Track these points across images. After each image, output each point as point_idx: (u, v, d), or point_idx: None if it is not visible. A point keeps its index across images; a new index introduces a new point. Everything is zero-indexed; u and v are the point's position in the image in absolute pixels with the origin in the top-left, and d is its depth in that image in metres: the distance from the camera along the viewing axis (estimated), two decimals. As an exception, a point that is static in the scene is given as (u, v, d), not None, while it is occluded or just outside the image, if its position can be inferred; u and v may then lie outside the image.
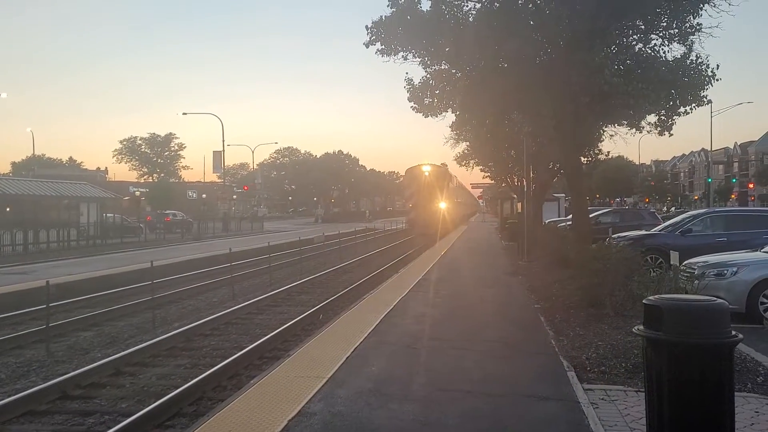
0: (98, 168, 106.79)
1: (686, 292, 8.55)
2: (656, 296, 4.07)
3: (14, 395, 7.36)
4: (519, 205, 28.51)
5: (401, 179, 62.76)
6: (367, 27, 13.67)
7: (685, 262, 11.27)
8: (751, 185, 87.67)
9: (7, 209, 31.58)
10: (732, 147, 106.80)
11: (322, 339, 8.46)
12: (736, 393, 4.19)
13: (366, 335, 8.48)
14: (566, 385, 6.16)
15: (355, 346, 7.83)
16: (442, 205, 38.62)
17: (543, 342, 8.13)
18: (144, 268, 16.70)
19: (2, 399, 7.28)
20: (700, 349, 3.70)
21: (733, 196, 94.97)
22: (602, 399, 5.78)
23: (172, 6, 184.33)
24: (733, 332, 3.75)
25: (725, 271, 10.40)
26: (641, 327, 3.96)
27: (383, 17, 13.62)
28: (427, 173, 38.92)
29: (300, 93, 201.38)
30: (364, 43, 13.83)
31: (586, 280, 10.23)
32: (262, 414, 5.34)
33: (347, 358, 7.23)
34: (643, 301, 4.06)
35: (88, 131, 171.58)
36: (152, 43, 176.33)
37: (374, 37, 13.70)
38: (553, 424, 5.12)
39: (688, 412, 3.71)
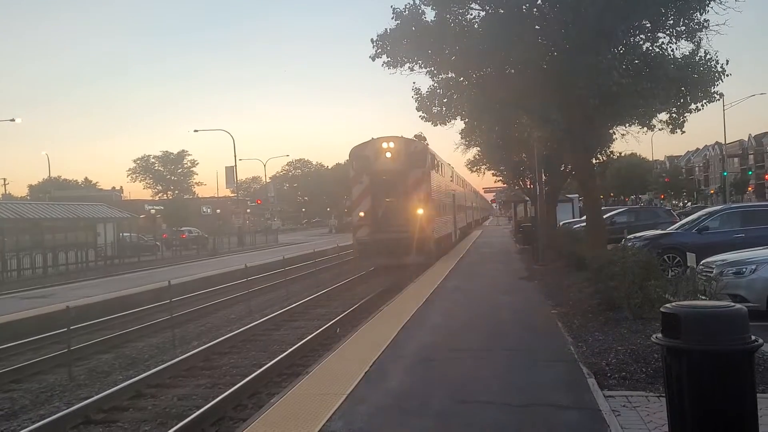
0: (113, 187, 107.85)
1: (705, 294, 8.48)
2: (674, 303, 4.05)
3: (38, 422, 7.44)
4: (532, 208, 28.43)
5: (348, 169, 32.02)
6: (372, 40, 13.73)
7: (703, 261, 11.16)
8: (767, 177, 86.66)
9: (26, 234, 31.97)
10: (746, 139, 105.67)
11: (340, 354, 8.47)
12: (759, 394, 4.15)
13: (384, 348, 8.47)
14: (587, 392, 6.12)
15: (374, 359, 7.83)
16: (421, 211, 22.00)
17: (562, 349, 8.08)
18: (162, 287, 16.84)
19: (27, 426, 7.36)
20: (719, 356, 3.67)
21: (750, 188, 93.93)
22: (624, 406, 5.73)
23: (179, 24, 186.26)
24: (753, 337, 3.71)
25: (744, 269, 10.27)
26: (660, 335, 3.94)
27: (388, 30, 13.67)
28: (389, 155, 22.48)
29: (310, 104, 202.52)
30: (370, 57, 13.89)
31: (602, 283, 10.16)
32: (283, 434, 5.36)
33: (366, 372, 7.23)
34: (661, 309, 4.04)
35: (102, 152, 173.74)
36: (160, 61, 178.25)
37: (380, 50, 13.75)
38: (575, 434, 5.09)
39: (710, 419, 3.68)
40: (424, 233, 21.72)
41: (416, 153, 22.95)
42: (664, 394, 4.22)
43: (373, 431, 5.35)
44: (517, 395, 6.14)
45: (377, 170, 22.43)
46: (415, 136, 26.93)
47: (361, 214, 22.36)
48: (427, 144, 25.36)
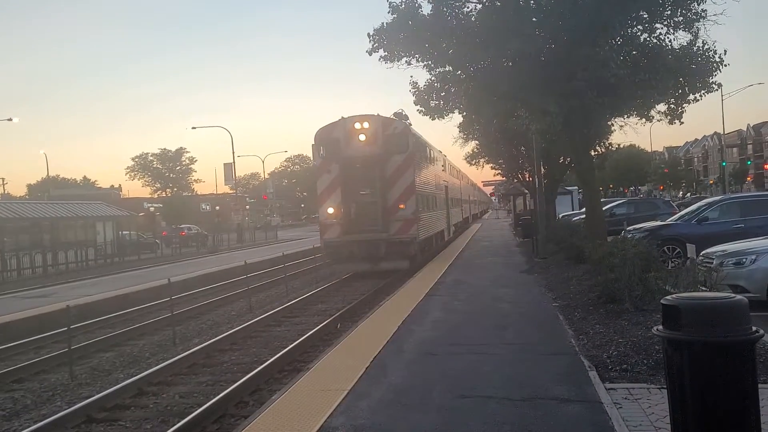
0: (112, 186, 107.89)
1: (705, 285, 8.49)
2: (674, 295, 4.05)
3: (40, 422, 7.44)
4: (532, 201, 28.45)
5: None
6: (368, 35, 13.70)
7: (703, 252, 11.18)
8: (766, 166, 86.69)
9: (26, 233, 31.97)
10: (745, 129, 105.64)
11: (341, 349, 8.48)
12: (761, 385, 4.14)
13: (385, 343, 8.48)
14: (588, 385, 6.12)
15: (374, 355, 7.84)
16: (404, 206, 18.69)
17: (563, 341, 8.09)
18: (162, 284, 16.84)
19: (29, 426, 7.36)
20: (720, 347, 3.66)
21: (749, 178, 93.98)
22: (625, 398, 5.73)
23: (175, 20, 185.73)
24: (754, 328, 3.71)
25: (744, 260, 10.28)
26: (660, 327, 3.93)
27: (384, 24, 13.64)
28: (362, 138, 18.92)
29: (308, 99, 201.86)
30: (366, 51, 13.86)
31: (603, 275, 10.17)
32: (285, 430, 5.36)
33: (367, 368, 7.23)
34: (661, 301, 4.03)
35: (100, 150, 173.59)
36: (156, 58, 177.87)
37: (377, 45, 13.72)
38: (576, 427, 5.09)
39: (712, 410, 3.68)
40: (407, 233, 18.56)
41: (396, 135, 19.15)
42: (665, 386, 4.22)
43: (375, 426, 5.35)
44: (518, 389, 6.14)
45: (349, 156, 18.86)
46: (395, 114, 21.22)
47: (330, 210, 18.97)
48: (410, 124, 20.78)
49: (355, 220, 18.76)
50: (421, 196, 19.97)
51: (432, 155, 25.20)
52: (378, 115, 19.41)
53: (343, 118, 19.13)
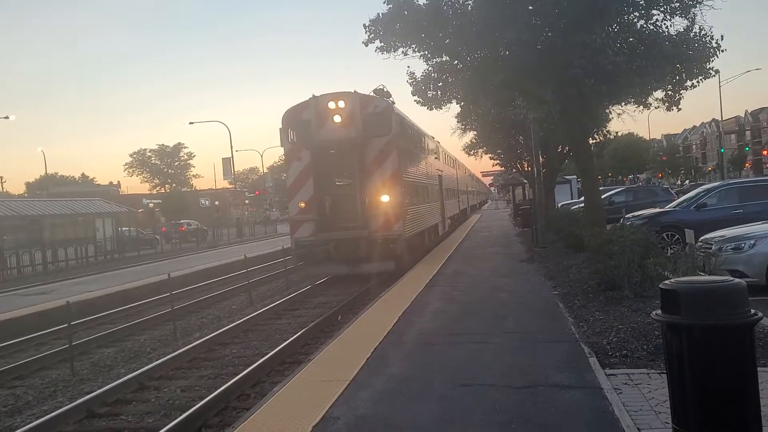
0: (111, 182, 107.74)
1: (704, 270, 8.49)
2: (672, 280, 4.04)
3: (42, 417, 7.46)
4: (531, 190, 28.43)
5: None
6: (364, 26, 13.62)
7: (702, 237, 11.19)
8: (765, 152, 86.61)
9: (25, 231, 31.96)
10: (743, 115, 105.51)
11: (342, 340, 8.49)
12: (760, 368, 4.14)
13: (385, 334, 8.49)
14: (589, 371, 6.13)
15: (375, 345, 7.85)
16: (387, 198, 16.32)
17: (563, 329, 8.10)
18: (162, 280, 16.85)
19: (31, 422, 7.38)
20: (719, 331, 3.66)
21: (747, 164, 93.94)
22: (625, 384, 5.74)
23: (171, 16, 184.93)
24: (753, 311, 3.71)
25: (743, 245, 10.30)
26: (659, 312, 3.93)
27: (380, 14, 13.55)
28: (338, 119, 16.56)
29: (306, 92, 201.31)
30: (363, 42, 13.79)
31: (602, 263, 10.18)
32: (287, 421, 5.37)
33: (368, 358, 7.24)
34: (660, 286, 4.03)
35: (98, 147, 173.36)
36: (153, 55, 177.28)
37: (373, 35, 13.64)
38: (577, 413, 5.10)
39: (712, 393, 3.69)
40: (391, 229, 16.17)
41: (377, 115, 16.53)
42: (665, 371, 4.23)
43: (376, 416, 5.36)
44: (519, 377, 6.15)
45: (322, 141, 16.39)
46: (376, 91, 17.92)
47: (301, 204, 16.59)
48: (393, 102, 17.90)
49: (330, 216, 16.49)
50: (408, 186, 17.64)
51: (422, 140, 22.34)
52: (355, 92, 16.74)
53: (314, 96, 16.66)
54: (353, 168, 16.36)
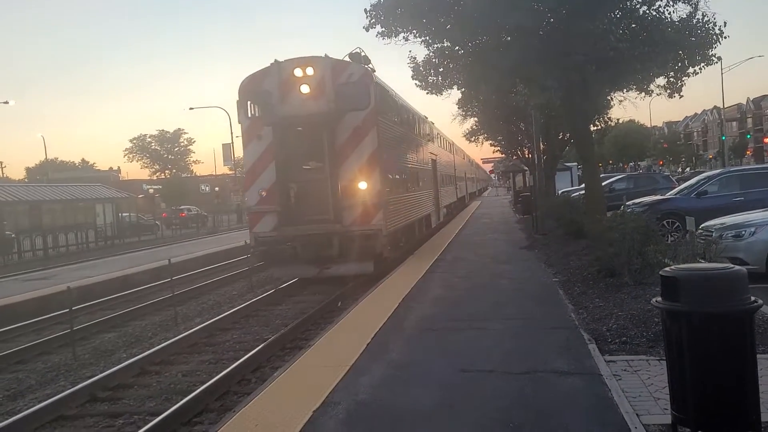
0: (111, 168, 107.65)
1: (704, 257, 8.50)
2: (672, 267, 4.05)
3: (45, 401, 7.50)
4: (531, 177, 28.41)
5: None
6: (365, 10, 13.50)
7: (702, 225, 11.19)
8: (766, 140, 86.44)
9: (25, 216, 31.97)
10: (745, 103, 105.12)
11: (342, 326, 8.52)
12: (759, 355, 4.16)
13: (385, 320, 8.52)
14: (588, 358, 6.16)
15: (375, 331, 7.88)
16: (365, 185, 13.54)
17: (563, 316, 8.13)
18: (162, 265, 16.88)
19: (34, 405, 7.42)
20: (719, 318, 3.68)
21: (748, 152, 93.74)
22: (624, 370, 5.77)
23: (174, 3, 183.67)
24: (753, 298, 3.72)
25: (743, 232, 10.31)
26: (659, 299, 3.95)
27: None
28: (305, 89, 13.68)
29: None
30: (363, 27, 13.67)
31: (602, 250, 10.18)
32: (287, 406, 5.40)
33: (368, 344, 7.27)
34: (660, 273, 4.04)
35: (98, 132, 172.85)
36: (153, 39, 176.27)
37: (373, 21, 13.52)
38: (576, 399, 5.13)
39: (711, 380, 3.71)
40: (369, 223, 13.53)
41: (353, 84, 13.69)
42: (664, 358, 4.25)
43: (376, 401, 5.39)
44: (518, 363, 6.18)
45: (286, 116, 13.52)
46: (351, 56, 14.80)
47: (262, 192, 13.87)
48: (374, 70, 14.81)
49: (296, 206, 13.71)
50: (391, 170, 15.00)
51: (410, 118, 19.29)
52: (326, 56, 13.92)
53: (277, 61, 13.86)
54: (324, 149, 13.60)
